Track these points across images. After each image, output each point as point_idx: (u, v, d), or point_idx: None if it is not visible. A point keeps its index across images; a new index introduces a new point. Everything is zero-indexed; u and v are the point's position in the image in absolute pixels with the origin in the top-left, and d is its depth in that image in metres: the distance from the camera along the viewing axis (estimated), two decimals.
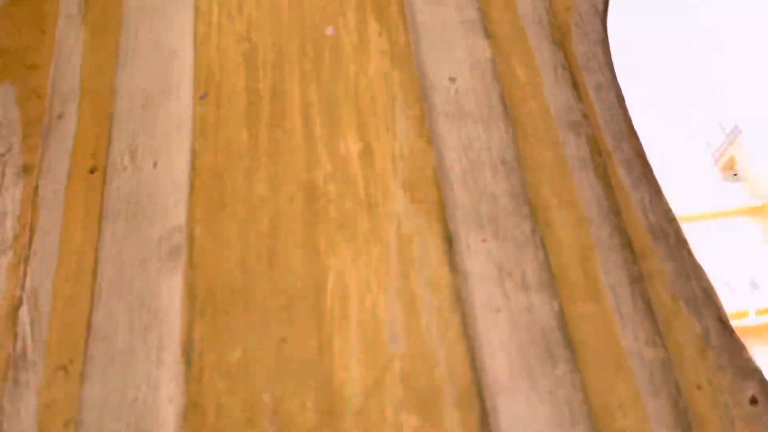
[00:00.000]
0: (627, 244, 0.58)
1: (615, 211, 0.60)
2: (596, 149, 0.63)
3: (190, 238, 0.56)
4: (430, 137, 0.61)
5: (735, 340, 0.54)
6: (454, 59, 0.67)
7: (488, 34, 0.69)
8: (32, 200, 0.62)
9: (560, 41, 0.70)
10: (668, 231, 0.59)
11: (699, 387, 0.52)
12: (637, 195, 0.61)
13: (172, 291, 0.54)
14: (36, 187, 0.63)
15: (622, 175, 0.63)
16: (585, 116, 0.65)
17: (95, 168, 0.63)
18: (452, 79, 0.66)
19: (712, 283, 0.57)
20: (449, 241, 0.56)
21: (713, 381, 0.52)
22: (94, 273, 0.56)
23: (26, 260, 0.59)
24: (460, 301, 0.53)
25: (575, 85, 0.67)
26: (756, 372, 0.53)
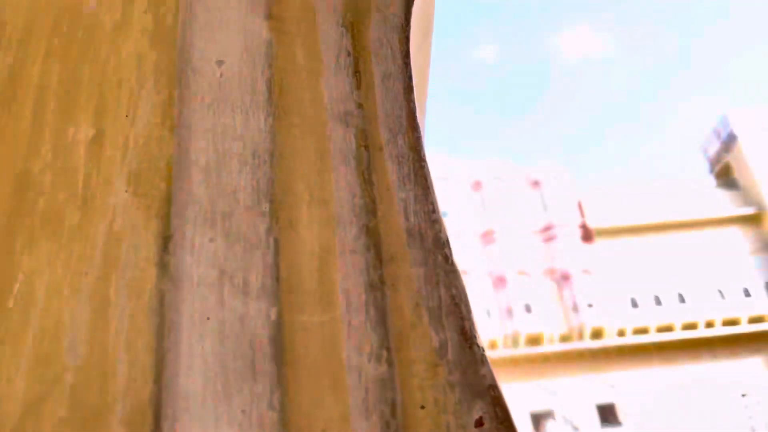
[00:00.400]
0: (375, 246, 0.53)
1: (369, 211, 0.54)
2: (365, 143, 0.58)
3: None
4: (174, 125, 0.55)
5: (473, 354, 0.49)
6: (227, 41, 0.62)
7: (271, 15, 0.63)
8: None
9: (353, 24, 0.65)
10: (426, 233, 0.54)
11: (423, 407, 0.47)
12: (402, 194, 0.56)
13: None
14: None
15: (390, 172, 0.57)
16: (360, 107, 0.60)
17: None
18: (220, 62, 0.60)
19: (465, 290, 0.52)
20: (166, 240, 0.50)
21: (439, 400, 0.47)
22: None
23: None
24: (164, 307, 0.47)
25: (356, 73, 0.62)
26: (489, 390, 0.47)
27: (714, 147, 28.09)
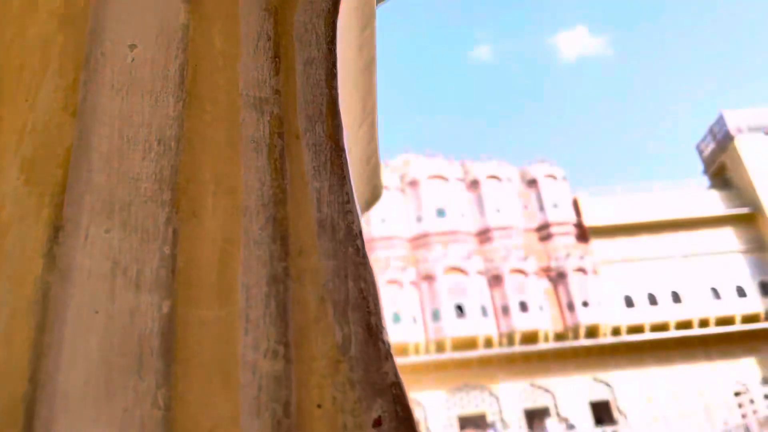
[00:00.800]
0: (281, 238, 0.50)
1: (278, 201, 0.52)
2: (279, 130, 0.55)
3: None
4: (77, 110, 0.53)
5: (378, 351, 0.46)
6: (142, 24, 0.59)
7: None
8: None
9: (278, 8, 0.63)
10: (339, 224, 0.52)
11: (320, 405, 0.45)
12: (316, 183, 0.54)
13: None
14: None
15: (306, 161, 0.55)
16: (277, 93, 0.57)
17: None
18: (132, 46, 0.58)
19: (375, 282, 0.50)
20: (57, 230, 0.48)
21: (338, 398, 0.45)
22: None
23: None
24: (48, 300, 0.45)
25: (276, 59, 0.59)
26: (391, 388, 0.45)
27: (709, 147, 28.14)
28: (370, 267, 0.50)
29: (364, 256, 0.50)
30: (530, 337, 23.62)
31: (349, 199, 0.52)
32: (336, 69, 0.60)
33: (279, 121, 0.56)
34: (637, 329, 23.64)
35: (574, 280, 24.15)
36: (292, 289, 0.48)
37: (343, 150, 0.55)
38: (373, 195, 0.93)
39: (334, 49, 0.61)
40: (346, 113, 0.73)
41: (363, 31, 0.74)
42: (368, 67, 0.78)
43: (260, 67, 0.58)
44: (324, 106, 0.58)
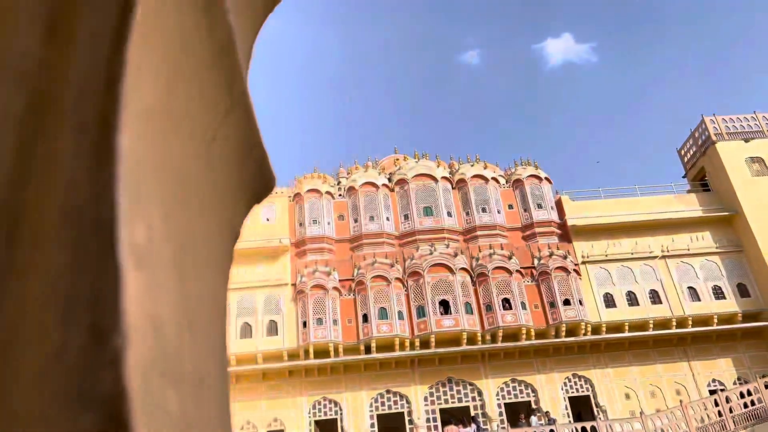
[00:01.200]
0: (12, 225, 0.44)
1: (16, 185, 0.46)
2: (38, 107, 0.50)
3: None
4: None
5: (100, 358, 0.41)
6: None
7: None
8: None
9: None
10: (87, 213, 0.46)
11: (19, 419, 0.39)
12: (70, 167, 0.48)
13: None
14: None
15: (65, 141, 0.49)
16: (45, 66, 0.51)
17: None
18: None
19: (119, 280, 0.44)
20: None
21: (40, 412, 0.39)
22: None
23: None
24: None
25: (52, 29, 0.53)
26: (109, 401, 0.39)
27: (690, 151, 28.41)
28: (117, 263, 0.44)
29: (112, 250, 0.44)
30: (513, 334, 23.74)
31: (106, 186, 0.47)
32: (124, 45, 0.54)
33: (41, 96, 0.50)
34: (616, 328, 23.86)
35: (556, 279, 24.30)
36: (11, 284, 0.42)
37: (114, 130, 0.50)
38: (264, 187, 0.87)
39: (128, 23, 0.55)
40: (198, 99, 0.67)
41: (208, 10, 0.68)
42: (225, 49, 0.72)
43: (31, 38, 0.52)
44: (102, 83, 0.52)
